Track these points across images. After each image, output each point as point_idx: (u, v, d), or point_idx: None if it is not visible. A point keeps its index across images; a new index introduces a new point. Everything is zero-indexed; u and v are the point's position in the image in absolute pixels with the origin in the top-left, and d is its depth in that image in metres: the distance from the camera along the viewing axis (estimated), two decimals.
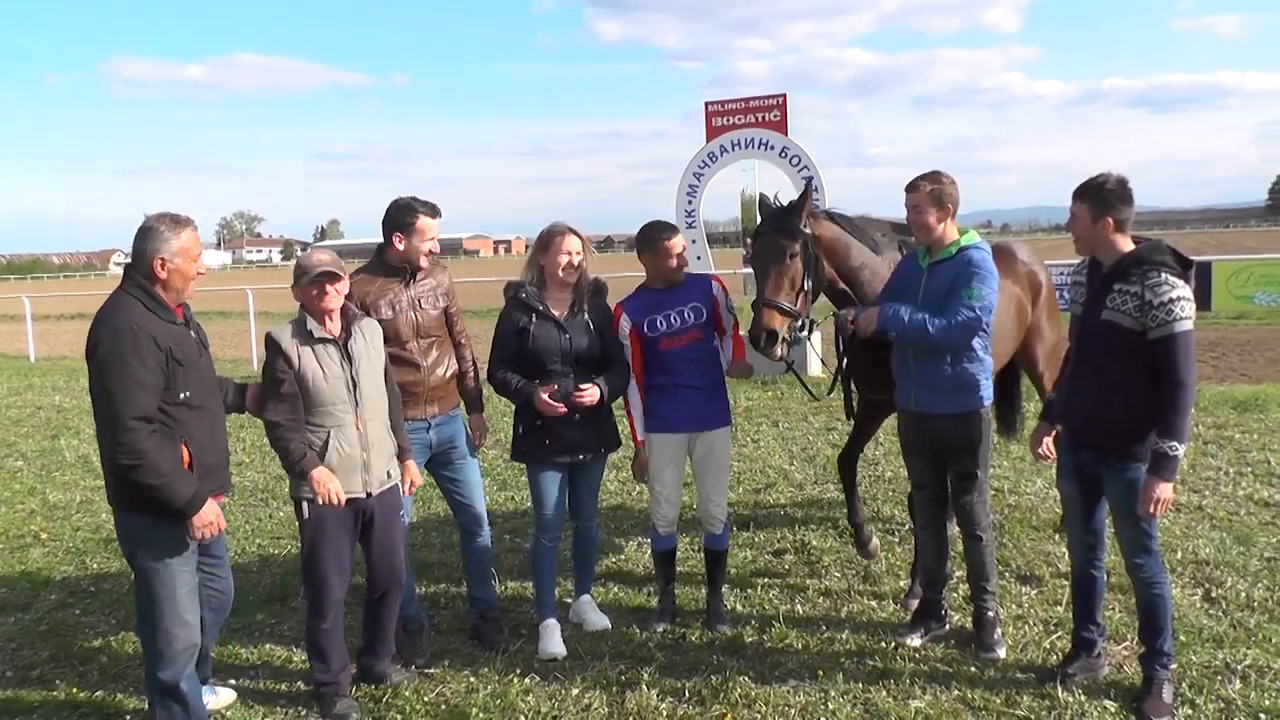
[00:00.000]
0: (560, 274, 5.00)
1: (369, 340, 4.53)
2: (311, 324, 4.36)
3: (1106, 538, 4.55)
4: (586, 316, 5.07)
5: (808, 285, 4.98)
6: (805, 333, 5.00)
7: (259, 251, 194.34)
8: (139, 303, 3.95)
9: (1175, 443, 3.96)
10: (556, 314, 5.00)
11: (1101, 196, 4.10)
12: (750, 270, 5.06)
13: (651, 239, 5.14)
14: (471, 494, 5.25)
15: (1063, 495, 4.70)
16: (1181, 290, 3.95)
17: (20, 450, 11.07)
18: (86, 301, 40.38)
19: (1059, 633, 4.98)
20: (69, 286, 73.78)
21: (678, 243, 5.13)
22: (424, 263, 4.94)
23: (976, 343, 4.65)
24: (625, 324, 5.17)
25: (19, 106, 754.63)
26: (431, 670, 4.91)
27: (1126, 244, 4.13)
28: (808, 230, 4.96)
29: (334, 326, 4.41)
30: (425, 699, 4.62)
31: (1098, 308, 4.15)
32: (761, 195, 5.31)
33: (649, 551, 6.51)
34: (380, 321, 4.78)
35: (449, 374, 5.09)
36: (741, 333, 5.33)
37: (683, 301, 5.12)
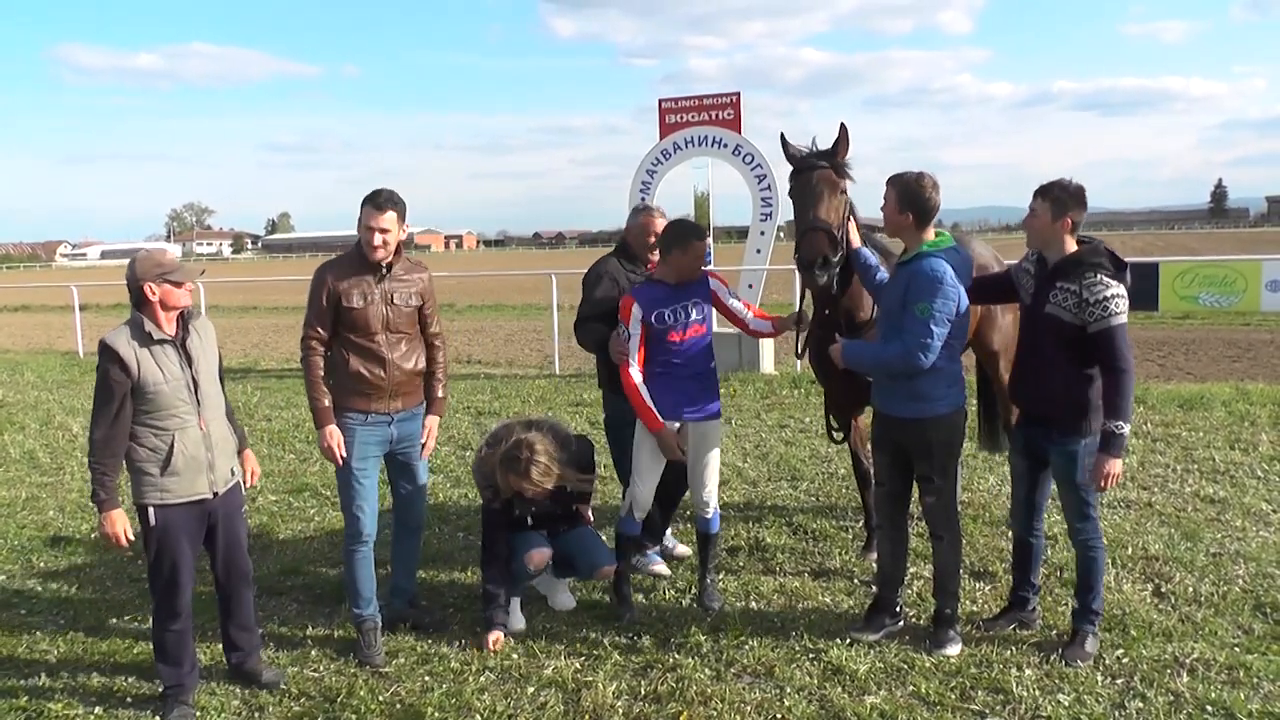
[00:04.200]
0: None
1: (204, 339, 4.52)
2: (149, 326, 4.29)
3: (1045, 509, 5.10)
4: None
5: (847, 227, 5.17)
6: (836, 267, 5.07)
7: (209, 244, 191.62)
8: None
9: (1122, 422, 4.42)
10: None
11: (1060, 200, 4.52)
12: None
13: (684, 238, 5.23)
14: (418, 493, 5.32)
15: (1012, 469, 5.11)
16: (1116, 289, 4.40)
17: None
18: (31, 294, 39.67)
19: (1014, 626, 5.04)
20: (13, 278, 72.37)
21: (706, 245, 5.36)
22: (379, 255, 4.86)
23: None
24: (637, 312, 5.23)
25: None
26: (386, 670, 4.87)
27: (1072, 245, 4.57)
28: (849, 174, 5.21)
29: (170, 328, 4.36)
30: (380, 698, 4.57)
31: (1042, 300, 4.59)
32: (784, 137, 5.34)
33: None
34: (349, 310, 4.85)
35: (415, 371, 5.08)
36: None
37: (689, 297, 5.29)
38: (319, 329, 4.91)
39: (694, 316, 5.27)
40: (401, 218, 4.89)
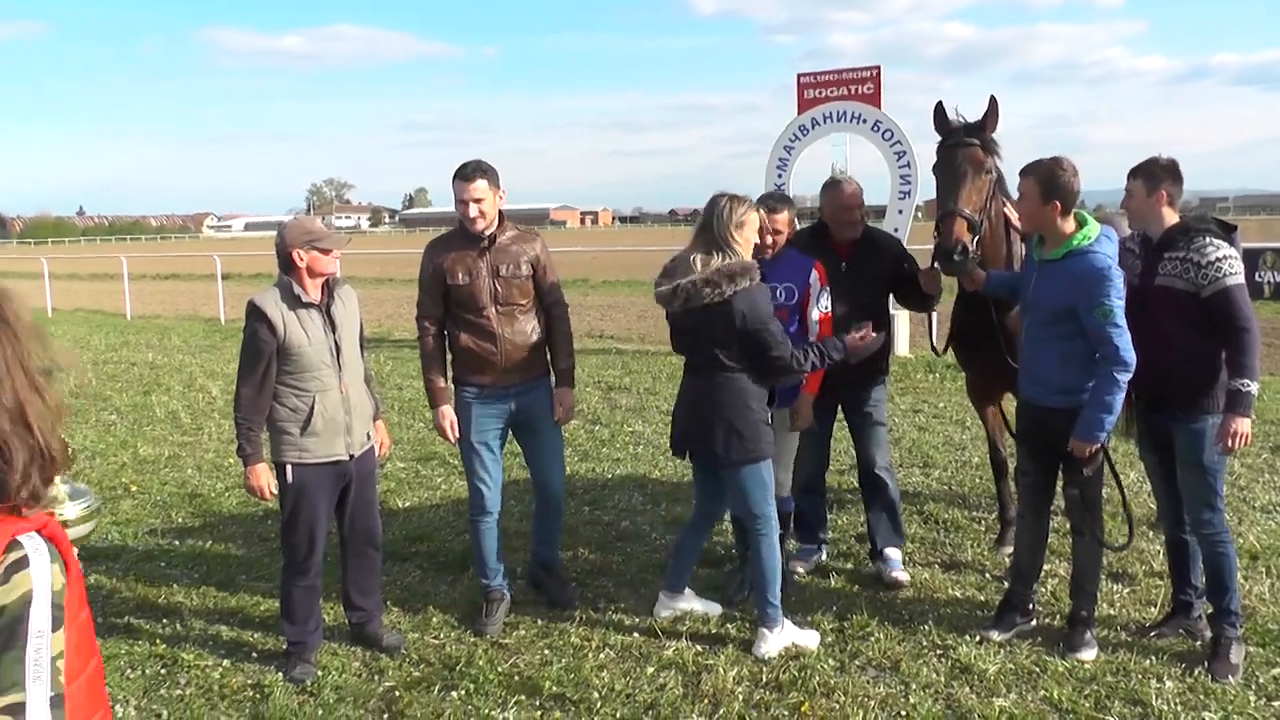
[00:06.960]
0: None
1: (347, 305, 4.62)
2: (297, 289, 4.40)
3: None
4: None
5: (991, 211, 4.97)
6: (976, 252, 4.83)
7: (348, 218, 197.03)
8: None
9: (1247, 380, 4.19)
10: None
11: (1154, 174, 4.42)
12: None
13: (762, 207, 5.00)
14: (550, 462, 5.20)
15: (1146, 467, 4.98)
16: (1226, 250, 4.24)
17: (114, 404, 11.34)
18: (180, 263, 41.57)
19: (1152, 634, 4.76)
20: (164, 248, 75.83)
21: (768, 218, 4.99)
22: (479, 226, 4.79)
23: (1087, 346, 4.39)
24: None
25: (119, 74, 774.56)
26: (506, 641, 4.88)
27: (1173, 218, 4.44)
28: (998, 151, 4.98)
29: (315, 293, 4.46)
30: (499, 669, 4.58)
31: (1151, 275, 4.42)
32: (940, 105, 5.07)
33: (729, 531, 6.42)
34: (456, 287, 4.83)
35: (531, 344, 4.97)
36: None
37: (780, 279, 5.03)
38: (430, 308, 4.98)
39: (780, 300, 4.97)
40: (494, 185, 4.77)
